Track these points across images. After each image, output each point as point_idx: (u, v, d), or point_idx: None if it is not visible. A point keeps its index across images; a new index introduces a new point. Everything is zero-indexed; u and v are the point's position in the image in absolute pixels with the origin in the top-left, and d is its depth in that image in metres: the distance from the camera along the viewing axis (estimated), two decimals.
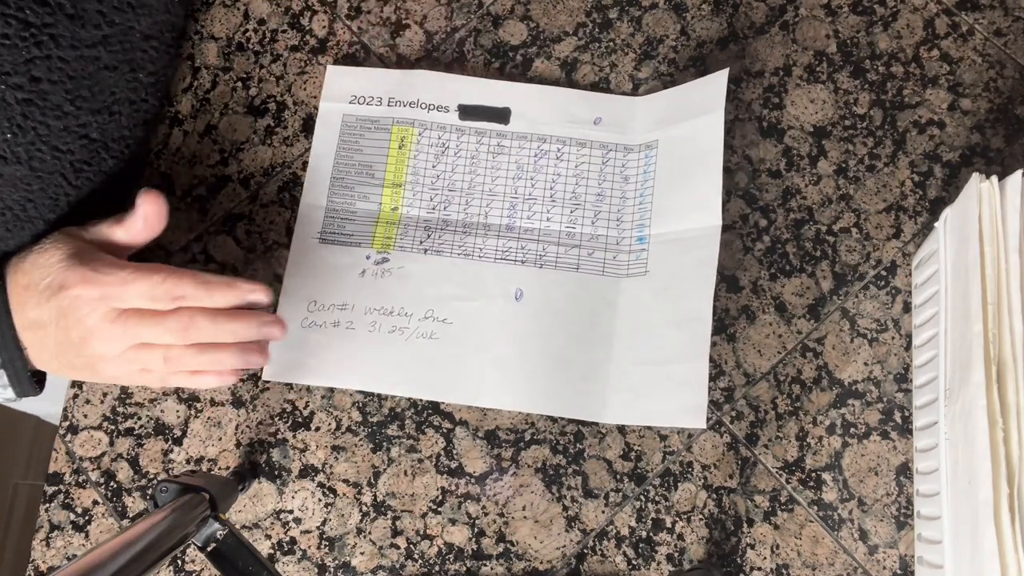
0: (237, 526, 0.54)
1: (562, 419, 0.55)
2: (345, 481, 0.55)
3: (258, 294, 0.50)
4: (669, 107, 0.57)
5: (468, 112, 0.59)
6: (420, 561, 0.53)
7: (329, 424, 0.55)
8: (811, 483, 0.53)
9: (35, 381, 0.51)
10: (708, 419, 0.54)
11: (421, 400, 0.55)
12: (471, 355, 0.55)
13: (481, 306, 0.56)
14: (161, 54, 0.57)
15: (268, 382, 0.56)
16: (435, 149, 0.59)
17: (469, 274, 0.56)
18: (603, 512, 0.54)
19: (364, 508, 0.54)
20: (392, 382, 0.55)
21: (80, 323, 0.48)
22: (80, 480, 0.55)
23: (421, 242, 0.57)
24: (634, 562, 0.53)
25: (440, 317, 0.56)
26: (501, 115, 0.59)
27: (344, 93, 0.60)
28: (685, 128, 0.56)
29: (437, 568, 0.53)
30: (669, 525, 0.53)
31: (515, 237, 0.57)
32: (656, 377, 0.53)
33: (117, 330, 0.48)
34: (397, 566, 0.53)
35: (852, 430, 0.54)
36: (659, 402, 0.53)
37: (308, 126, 0.60)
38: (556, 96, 0.59)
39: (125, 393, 0.56)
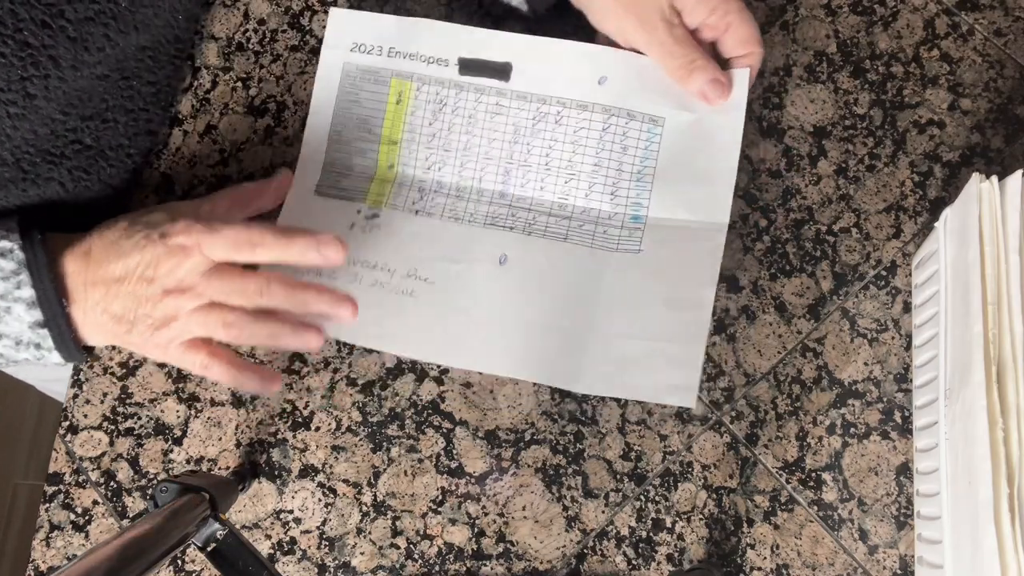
0: (237, 526, 0.54)
1: (562, 419, 0.55)
2: (345, 481, 0.55)
3: (334, 247, 0.50)
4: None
5: (468, 66, 0.57)
6: (420, 561, 0.53)
7: (329, 424, 0.55)
8: (811, 483, 0.53)
9: (82, 351, 0.52)
10: (708, 419, 0.54)
11: (421, 399, 0.55)
12: (448, 315, 0.55)
13: (464, 268, 0.55)
14: (162, 65, 0.57)
15: None
16: (432, 105, 0.57)
17: (457, 237, 0.56)
18: (603, 512, 0.54)
19: (364, 508, 0.54)
20: (367, 335, 0.55)
21: (171, 273, 0.49)
22: (80, 480, 0.55)
23: (414, 203, 0.57)
24: (634, 562, 0.53)
25: (423, 276, 0.55)
26: (502, 71, 0.57)
27: (346, 40, 0.58)
28: (698, 118, 0.55)
29: (437, 568, 0.53)
30: (669, 525, 0.53)
31: (507, 204, 0.57)
32: (643, 352, 0.53)
33: (203, 283, 0.49)
34: (397, 566, 0.53)
35: (852, 430, 0.54)
36: (645, 377, 0.53)
37: None
38: (561, 50, 0.57)
39: (125, 393, 0.56)
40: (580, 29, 0.58)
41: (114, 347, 0.56)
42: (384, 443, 0.55)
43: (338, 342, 0.56)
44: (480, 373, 0.55)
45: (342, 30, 0.59)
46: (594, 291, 0.55)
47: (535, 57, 0.57)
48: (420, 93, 0.57)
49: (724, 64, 0.54)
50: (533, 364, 0.54)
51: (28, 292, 0.48)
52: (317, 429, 0.55)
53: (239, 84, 0.61)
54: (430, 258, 0.56)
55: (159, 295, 0.49)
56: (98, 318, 0.50)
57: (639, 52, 0.55)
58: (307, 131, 0.58)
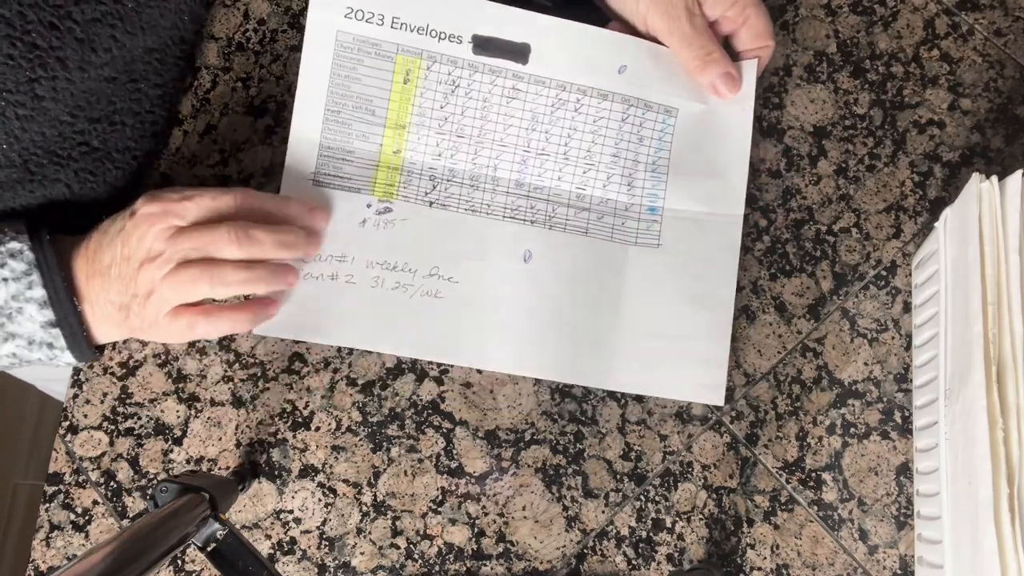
0: (237, 526, 0.54)
1: (562, 419, 0.55)
2: (345, 481, 0.55)
3: (320, 215, 0.54)
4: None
5: (483, 45, 0.53)
6: (420, 561, 0.53)
7: (329, 424, 0.55)
8: (811, 483, 0.53)
9: (94, 350, 0.52)
10: (708, 419, 0.54)
11: (421, 399, 0.55)
12: (477, 316, 0.54)
13: (488, 266, 0.54)
14: (168, 67, 0.57)
15: (268, 386, 0.56)
16: (444, 87, 0.54)
17: (476, 231, 0.55)
18: (603, 512, 0.54)
19: (364, 508, 0.54)
20: (394, 342, 0.54)
21: (140, 243, 0.49)
22: (80, 480, 0.55)
23: (427, 193, 0.54)
24: (634, 562, 0.53)
25: (446, 275, 0.54)
26: (520, 52, 0.53)
27: (338, 2, 0.53)
28: (709, 109, 0.55)
29: (437, 568, 0.53)
30: (669, 525, 0.53)
31: (524, 195, 0.55)
32: (670, 350, 0.54)
33: (172, 247, 0.49)
34: (397, 566, 0.53)
35: (852, 430, 0.54)
36: (674, 375, 0.54)
37: None
38: (581, 34, 0.54)
39: (125, 393, 0.56)
40: (583, 19, 0.58)
41: (114, 347, 0.56)
42: (384, 443, 0.55)
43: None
44: (480, 372, 0.55)
45: None
46: (618, 288, 0.55)
47: (555, 40, 0.54)
48: (431, 73, 0.54)
49: (735, 56, 0.55)
50: (563, 365, 0.54)
51: (39, 292, 0.48)
52: (317, 429, 0.55)
53: (239, 84, 0.61)
54: (451, 255, 0.54)
55: (136, 269, 0.49)
56: (104, 310, 0.50)
57: (655, 39, 0.55)
58: (296, 110, 0.55)
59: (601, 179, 0.56)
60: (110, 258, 0.49)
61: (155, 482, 0.54)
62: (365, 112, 0.55)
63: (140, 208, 0.49)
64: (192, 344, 0.56)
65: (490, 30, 0.54)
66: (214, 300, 0.53)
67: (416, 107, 0.54)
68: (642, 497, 0.54)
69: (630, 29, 0.56)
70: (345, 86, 0.54)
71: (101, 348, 0.54)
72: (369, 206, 0.55)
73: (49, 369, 0.65)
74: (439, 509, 0.54)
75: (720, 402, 0.54)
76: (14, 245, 0.48)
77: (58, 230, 0.52)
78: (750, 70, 0.55)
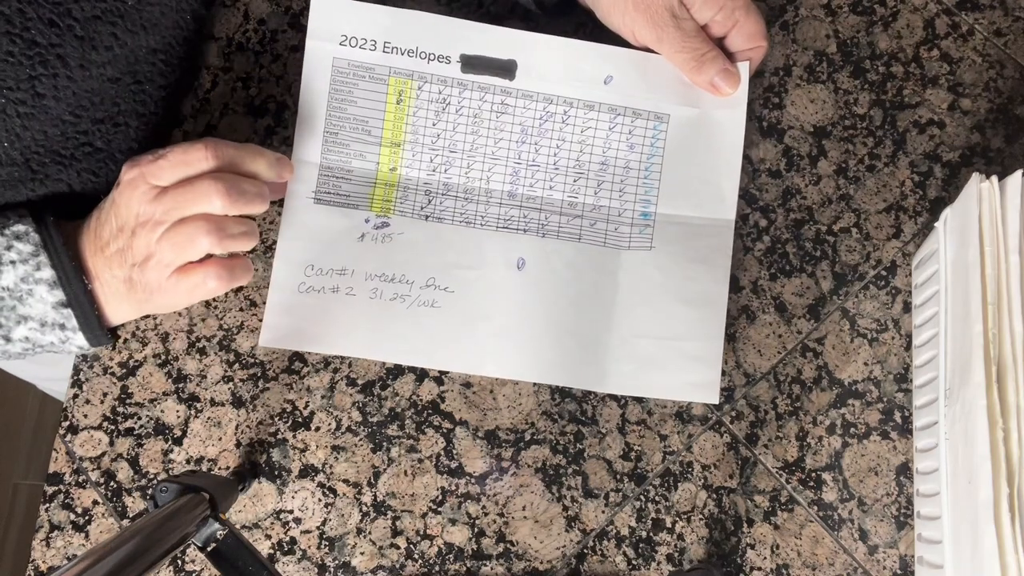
0: (237, 526, 0.54)
1: (562, 419, 0.55)
2: (345, 481, 0.55)
3: (287, 167, 0.53)
4: (685, 81, 0.56)
5: (471, 64, 0.55)
6: (420, 561, 0.53)
7: (329, 424, 0.55)
8: (811, 483, 0.53)
9: (106, 332, 0.51)
10: (708, 419, 0.54)
11: (421, 399, 0.55)
12: (473, 324, 0.55)
13: (483, 275, 0.56)
14: (172, 68, 0.57)
15: (268, 386, 0.56)
16: (435, 105, 0.56)
17: (471, 242, 0.56)
18: (603, 512, 0.54)
19: (364, 508, 0.54)
20: (393, 350, 0.55)
21: (128, 210, 0.48)
22: (80, 480, 0.55)
23: (422, 208, 0.56)
24: (634, 562, 0.53)
25: (442, 285, 0.55)
26: (506, 68, 0.56)
27: (333, 31, 0.56)
28: (702, 113, 0.56)
29: (437, 568, 0.53)
30: (669, 525, 0.53)
31: (517, 205, 0.56)
32: (663, 351, 0.54)
33: (159, 208, 0.48)
34: (397, 566, 0.53)
35: (852, 430, 0.54)
36: (668, 376, 0.54)
37: None
38: (566, 48, 0.56)
39: (125, 393, 0.56)
40: (581, 28, 0.58)
41: (115, 347, 0.56)
42: (384, 443, 0.55)
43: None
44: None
45: (328, 20, 0.56)
46: (611, 291, 0.55)
47: (540, 55, 0.56)
48: (422, 92, 0.56)
49: (730, 59, 0.55)
50: (559, 368, 0.54)
51: (48, 273, 0.48)
52: (317, 429, 0.55)
53: (239, 84, 0.61)
54: (446, 266, 0.56)
55: (130, 238, 0.49)
56: (111, 285, 0.50)
57: (647, 49, 0.55)
58: (297, 132, 0.57)
59: (592, 187, 0.56)
60: (108, 232, 0.49)
61: (155, 482, 0.54)
62: (362, 132, 0.56)
63: (123, 176, 0.49)
64: (192, 344, 0.56)
65: (476, 49, 0.56)
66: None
67: (410, 125, 0.56)
68: (642, 497, 0.54)
69: (624, 44, 0.56)
70: (342, 109, 0.56)
71: (114, 332, 0.53)
72: (367, 221, 0.56)
73: (50, 368, 0.65)
74: (439, 509, 0.54)
75: (715, 400, 0.54)
76: (19, 227, 0.49)
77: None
78: (741, 72, 0.55)
